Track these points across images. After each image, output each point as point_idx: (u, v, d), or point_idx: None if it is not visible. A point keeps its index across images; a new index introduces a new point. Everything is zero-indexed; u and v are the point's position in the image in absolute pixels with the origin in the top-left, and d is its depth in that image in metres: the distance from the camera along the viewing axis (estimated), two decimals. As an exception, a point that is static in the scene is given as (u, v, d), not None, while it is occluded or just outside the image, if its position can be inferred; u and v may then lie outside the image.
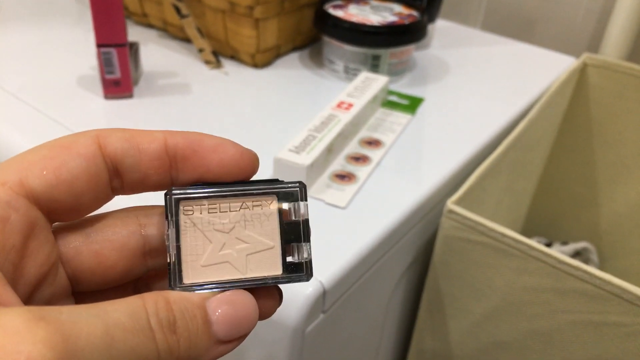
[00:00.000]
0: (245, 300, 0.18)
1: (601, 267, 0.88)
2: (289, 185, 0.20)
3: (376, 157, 0.49)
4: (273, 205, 0.20)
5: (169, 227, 0.19)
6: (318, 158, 0.44)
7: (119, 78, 0.53)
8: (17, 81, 0.56)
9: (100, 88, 0.55)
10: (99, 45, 0.51)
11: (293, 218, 0.20)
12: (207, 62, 0.63)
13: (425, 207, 0.46)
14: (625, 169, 0.79)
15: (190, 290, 0.18)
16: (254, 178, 0.20)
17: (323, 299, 0.35)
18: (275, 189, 0.20)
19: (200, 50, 0.63)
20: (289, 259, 0.19)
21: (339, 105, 0.51)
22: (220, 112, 0.54)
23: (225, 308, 0.18)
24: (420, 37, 0.62)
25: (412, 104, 0.58)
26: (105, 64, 0.52)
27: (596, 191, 0.84)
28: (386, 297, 0.46)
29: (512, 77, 0.67)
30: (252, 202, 0.20)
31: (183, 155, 0.19)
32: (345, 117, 0.49)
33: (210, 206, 0.19)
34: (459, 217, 0.42)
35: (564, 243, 0.86)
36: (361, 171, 0.47)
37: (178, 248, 0.19)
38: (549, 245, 0.86)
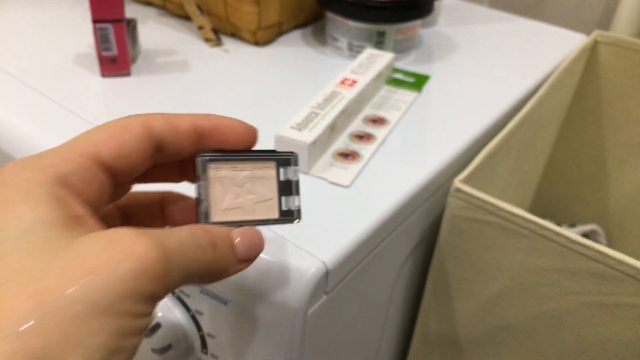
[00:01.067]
0: (256, 233, 0.26)
1: (609, 250, 0.86)
2: (285, 154, 0.27)
3: (381, 135, 0.48)
4: (273, 169, 0.27)
5: (199, 180, 0.25)
6: (321, 136, 0.43)
7: (116, 55, 0.51)
8: (13, 60, 0.55)
9: (98, 66, 0.54)
10: (95, 21, 0.49)
11: (288, 178, 0.27)
12: (207, 40, 0.61)
13: (432, 187, 0.44)
14: (635, 150, 0.77)
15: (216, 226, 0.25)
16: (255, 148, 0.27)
17: (326, 279, 0.34)
18: (276, 156, 0.27)
19: (200, 28, 0.61)
20: (284, 207, 0.27)
21: (343, 82, 0.49)
22: (220, 90, 0.53)
23: (243, 237, 0.25)
24: (427, 13, 0.60)
25: (418, 82, 0.57)
26: (101, 41, 0.50)
27: (605, 172, 0.82)
28: (391, 279, 0.45)
29: (520, 55, 0.65)
30: (259, 165, 0.27)
31: (208, 134, 0.25)
32: (349, 94, 0.47)
33: (229, 166, 0.26)
34: (466, 196, 0.41)
35: (572, 225, 0.84)
36: (365, 149, 0.46)
37: (207, 196, 0.25)
38: (556, 227, 0.84)
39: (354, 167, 0.43)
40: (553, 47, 0.68)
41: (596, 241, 0.83)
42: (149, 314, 0.20)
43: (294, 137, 0.41)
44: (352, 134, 0.48)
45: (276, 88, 0.54)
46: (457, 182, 0.41)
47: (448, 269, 0.46)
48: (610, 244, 0.86)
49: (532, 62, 0.63)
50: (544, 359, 0.43)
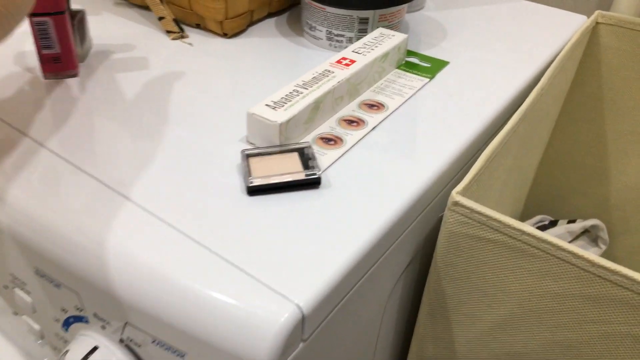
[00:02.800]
0: None
1: (611, 244, 0.81)
2: (302, 143, 0.38)
3: (373, 122, 0.42)
4: (296, 153, 0.37)
5: (243, 163, 0.37)
6: (298, 116, 0.38)
7: (59, 53, 0.45)
8: (-58, 60, 0.48)
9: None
10: (31, 15, 0.42)
11: (307, 156, 0.37)
12: (169, 32, 0.55)
13: (427, 197, 0.38)
14: (638, 138, 0.72)
15: None
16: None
17: (302, 326, 0.28)
18: (296, 146, 0.38)
19: (160, 19, 0.55)
20: (308, 172, 0.35)
21: (339, 61, 0.44)
22: (184, 89, 0.46)
23: None
24: (413, -4, 0.53)
25: (433, 67, 0.51)
26: (40, 37, 0.43)
27: (606, 163, 0.77)
28: (380, 307, 0.39)
29: (517, 40, 0.59)
30: (285, 154, 0.37)
31: None
32: (341, 74, 0.42)
33: (262, 156, 0.37)
34: (466, 211, 0.35)
35: (571, 221, 0.79)
36: (351, 135, 0.41)
37: (248, 170, 0.36)
38: (554, 223, 0.79)
39: (332, 153, 0.39)
40: (552, 30, 0.62)
41: (598, 236, 0.78)
42: None
43: (265, 115, 0.37)
44: (341, 118, 0.42)
45: (248, 83, 0.48)
46: (455, 195, 0.35)
47: (446, 291, 0.40)
48: (612, 239, 0.81)
49: (531, 48, 0.57)
50: (558, 392, 0.38)
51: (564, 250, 0.32)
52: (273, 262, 0.30)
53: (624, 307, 0.32)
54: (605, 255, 0.77)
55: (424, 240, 0.42)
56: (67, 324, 0.36)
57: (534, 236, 0.33)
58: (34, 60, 0.49)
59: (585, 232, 0.79)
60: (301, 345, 0.29)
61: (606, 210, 0.80)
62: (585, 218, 0.80)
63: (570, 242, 0.77)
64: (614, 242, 0.81)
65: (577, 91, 0.72)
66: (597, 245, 0.78)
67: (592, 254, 0.31)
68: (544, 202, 0.84)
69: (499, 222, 0.34)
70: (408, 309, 0.46)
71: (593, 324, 0.34)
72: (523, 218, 0.82)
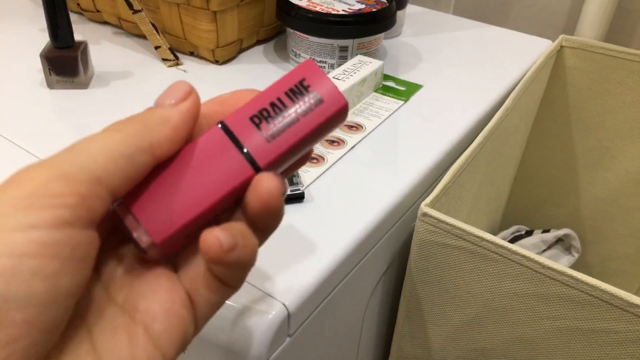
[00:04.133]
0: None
1: (583, 252, 0.86)
2: None
3: (352, 142, 0.47)
4: None
5: None
6: None
7: None
8: (-44, 88, 0.52)
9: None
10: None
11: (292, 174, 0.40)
12: (165, 60, 0.59)
13: (401, 209, 0.43)
14: (605, 153, 0.77)
15: None
16: None
17: (288, 322, 0.32)
18: None
19: (157, 47, 0.59)
20: (292, 188, 0.40)
21: None
22: (177, 114, 0.51)
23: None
24: (390, 25, 0.58)
25: (408, 90, 0.56)
26: None
27: (576, 176, 0.82)
28: (362, 307, 0.43)
29: (487, 63, 0.64)
30: None
31: None
32: None
33: None
34: (434, 221, 0.40)
35: (545, 230, 0.84)
36: (332, 154, 0.45)
37: None
38: (529, 233, 0.84)
39: (315, 170, 0.43)
40: (520, 53, 0.67)
41: (570, 245, 0.82)
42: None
43: None
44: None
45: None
46: (424, 207, 0.40)
47: (420, 294, 0.44)
48: (584, 247, 0.85)
49: (499, 70, 0.62)
50: (521, 383, 0.42)
51: (517, 254, 0.37)
52: (262, 268, 0.34)
53: (572, 304, 0.36)
54: (577, 262, 0.82)
55: (400, 248, 0.46)
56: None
57: (492, 242, 0.37)
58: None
59: (559, 241, 0.84)
60: (287, 339, 0.33)
61: (578, 220, 0.85)
62: (558, 228, 0.85)
63: (544, 250, 0.82)
64: (586, 250, 0.86)
65: (546, 110, 0.77)
66: (570, 253, 0.83)
67: (541, 257, 0.36)
68: (520, 213, 0.88)
69: (462, 230, 0.38)
70: (388, 311, 0.50)
71: (547, 320, 0.38)
72: (502, 228, 0.86)
